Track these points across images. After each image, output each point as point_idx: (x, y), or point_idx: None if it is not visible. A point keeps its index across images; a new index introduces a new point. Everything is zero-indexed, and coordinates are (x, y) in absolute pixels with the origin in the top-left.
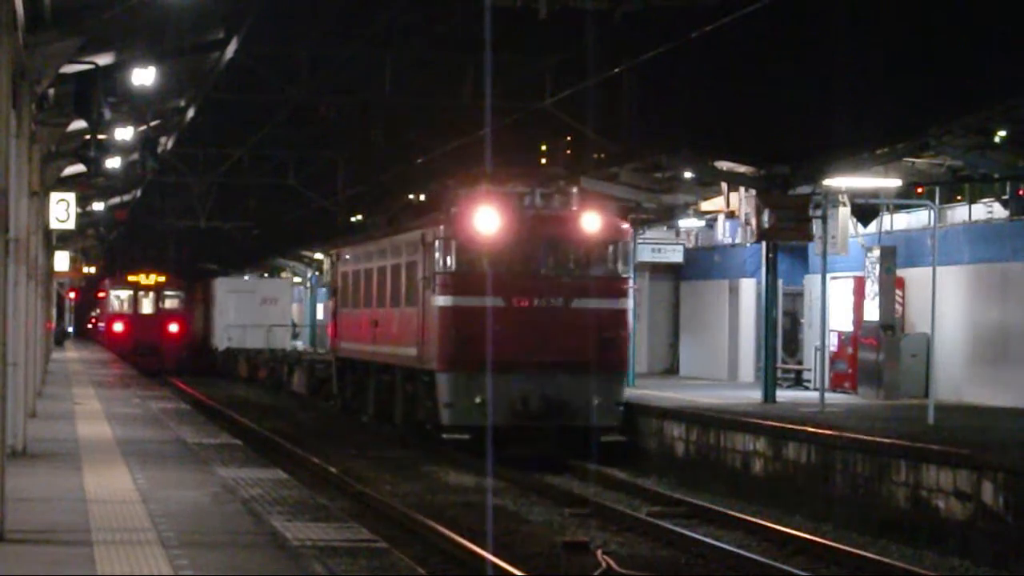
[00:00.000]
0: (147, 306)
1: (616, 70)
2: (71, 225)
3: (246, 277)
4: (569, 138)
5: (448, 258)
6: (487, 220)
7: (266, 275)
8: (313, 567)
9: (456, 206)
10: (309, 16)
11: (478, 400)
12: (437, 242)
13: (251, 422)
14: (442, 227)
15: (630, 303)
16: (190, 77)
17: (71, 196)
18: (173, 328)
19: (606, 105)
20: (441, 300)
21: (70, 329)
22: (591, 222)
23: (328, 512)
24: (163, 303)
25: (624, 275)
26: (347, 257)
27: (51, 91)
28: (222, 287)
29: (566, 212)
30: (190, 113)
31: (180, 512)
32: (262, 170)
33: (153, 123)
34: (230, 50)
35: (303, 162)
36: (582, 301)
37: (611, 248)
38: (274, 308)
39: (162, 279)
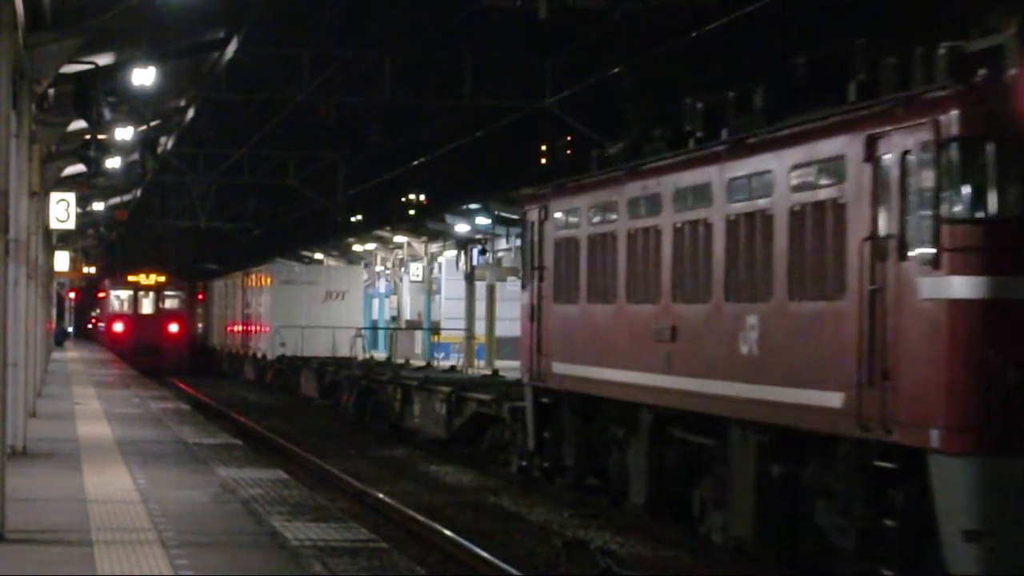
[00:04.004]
0: (147, 306)
1: (616, 70)
2: (71, 225)
3: (300, 265)
4: (569, 138)
5: (981, 185)
6: None
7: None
8: (313, 567)
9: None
10: (309, 16)
11: None
12: (946, 153)
13: (251, 422)
14: (957, 116)
15: None
16: (190, 77)
17: (71, 196)
18: (173, 328)
19: (606, 105)
20: (960, 286)
21: (70, 329)
22: None
23: (328, 512)
24: (163, 303)
25: None
26: (574, 210)
27: (51, 91)
28: (276, 277)
29: None
30: (190, 113)
31: (180, 512)
32: (262, 170)
33: (153, 123)
34: (230, 50)
35: (303, 162)
36: None
37: None
38: (341, 305)
39: (162, 279)
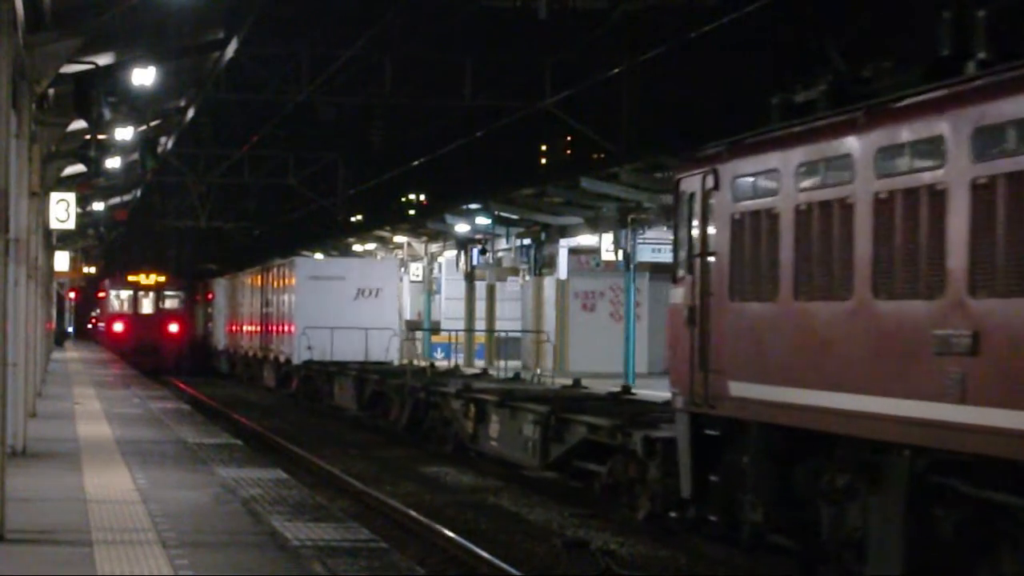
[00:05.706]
0: (147, 306)
1: (616, 70)
2: (71, 225)
3: (329, 259)
4: (569, 138)
5: None
6: None
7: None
8: (313, 567)
9: None
10: (309, 16)
11: None
12: None
13: (252, 422)
14: None
15: None
16: (190, 77)
17: (71, 196)
18: (173, 328)
19: (606, 105)
20: None
21: (70, 329)
22: None
23: (328, 512)
24: (163, 303)
25: None
26: (768, 173)
27: (51, 91)
28: (302, 272)
29: None
30: (190, 113)
31: (180, 512)
32: (262, 170)
33: (153, 123)
34: (230, 50)
35: (303, 162)
36: None
37: None
38: (375, 303)
39: (162, 279)
